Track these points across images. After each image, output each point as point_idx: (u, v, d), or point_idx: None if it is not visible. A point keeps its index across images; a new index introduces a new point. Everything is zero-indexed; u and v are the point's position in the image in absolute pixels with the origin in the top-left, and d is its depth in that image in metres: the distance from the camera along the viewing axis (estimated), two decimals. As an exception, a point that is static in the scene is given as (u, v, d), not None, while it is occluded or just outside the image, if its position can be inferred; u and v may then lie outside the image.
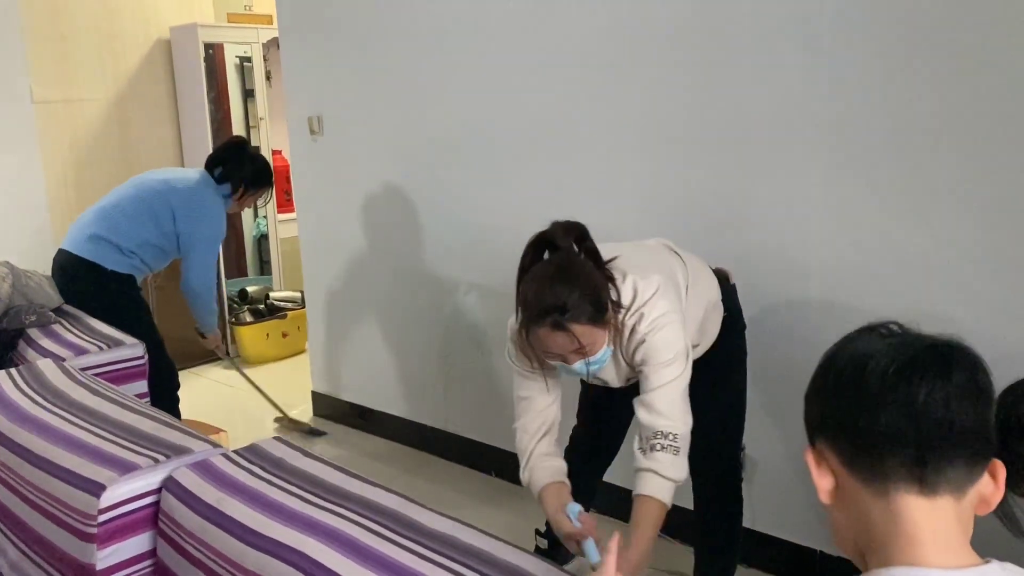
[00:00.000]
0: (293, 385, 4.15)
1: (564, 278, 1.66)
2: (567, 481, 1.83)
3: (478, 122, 2.96)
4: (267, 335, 4.79)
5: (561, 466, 1.85)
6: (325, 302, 3.78)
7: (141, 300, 3.11)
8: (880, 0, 2.03)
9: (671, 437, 1.72)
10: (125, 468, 1.49)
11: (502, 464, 3.11)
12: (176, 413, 3.16)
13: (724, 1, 2.27)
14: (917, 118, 2.02)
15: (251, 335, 4.75)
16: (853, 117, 2.11)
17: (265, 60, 4.93)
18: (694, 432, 1.78)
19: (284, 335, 4.84)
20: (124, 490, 1.46)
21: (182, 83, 4.77)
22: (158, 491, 1.49)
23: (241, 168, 3.16)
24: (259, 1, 5.02)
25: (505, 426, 3.00)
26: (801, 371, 2.29)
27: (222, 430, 3.77)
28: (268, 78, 4.96)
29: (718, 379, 1.90)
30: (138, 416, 1.73)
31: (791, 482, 2.42)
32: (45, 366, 2.07)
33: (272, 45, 4.97)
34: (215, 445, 1.57)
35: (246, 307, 4.84)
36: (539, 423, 1.87)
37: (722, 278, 2.12)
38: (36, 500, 1.58)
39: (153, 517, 1.48)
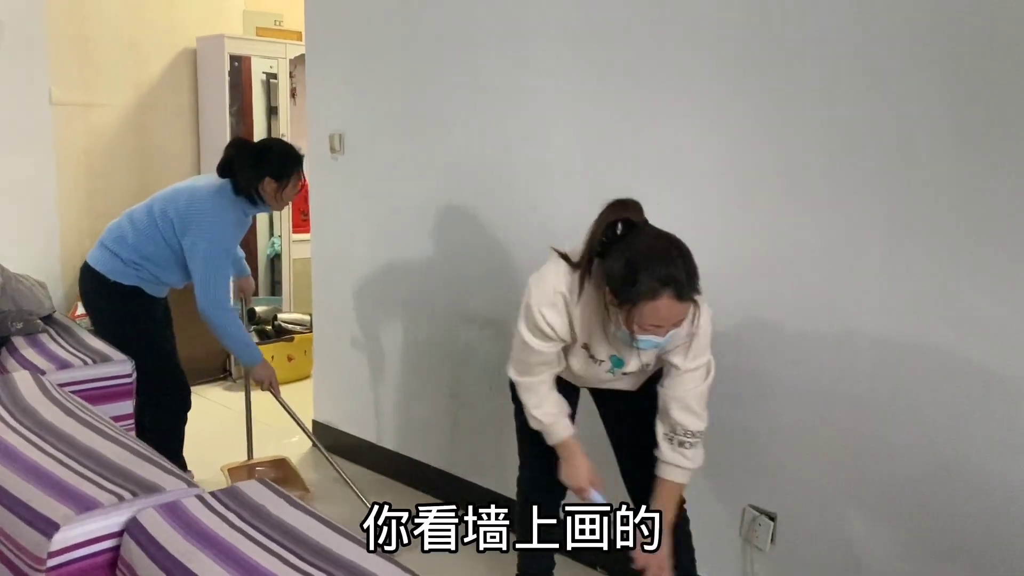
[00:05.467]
0: (297, 412, 3.96)
1: (681, 250, 1.75)
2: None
3: (503, 149, 2.81)
4: (272, 357, 4.60)
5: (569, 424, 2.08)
6: (334, 327, 3.61)
7: (146, 314, 2.91)
8: (954, 31, 1.85)
9: (698, 435, 1.94)
10: (84, 505, 1.31)
11: (509, 512, 2.89)
12: (179, 437, 3.01)
13: (783, 32, 2.11)
14: (995, 161, 1.82)
15: (256, 357, 4.57)
16: (920, 158, 1.92)
17: (291, 77, 4.83)
18: (642, 467, 2.04)
19: (290, 359, 4.67)
20: (80, 531, 1.28)
21: (205, 95, 4.67)
22: (119, 534, 1.30)
23: (260, 167, 2.83)
24: (289, 17, 4.92)
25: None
26: (845, 435, 2.11)
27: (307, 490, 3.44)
28: (293, 95, 4.85)
29: (647, 407, 2.05)
30: (109, 443, 1.56)
31: (821, 544, 2.20)
32: (21, 379, 1.91)
33: (299, 62, 4.87)
34: (189, 484, 1.39)
35: (253, 327, 4.68)
36: (551, 380, 2.03)
37: None
38: (-16, 534, 1.40)
39: (110, 565, 1.30)
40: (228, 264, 2.89)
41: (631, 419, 2.14)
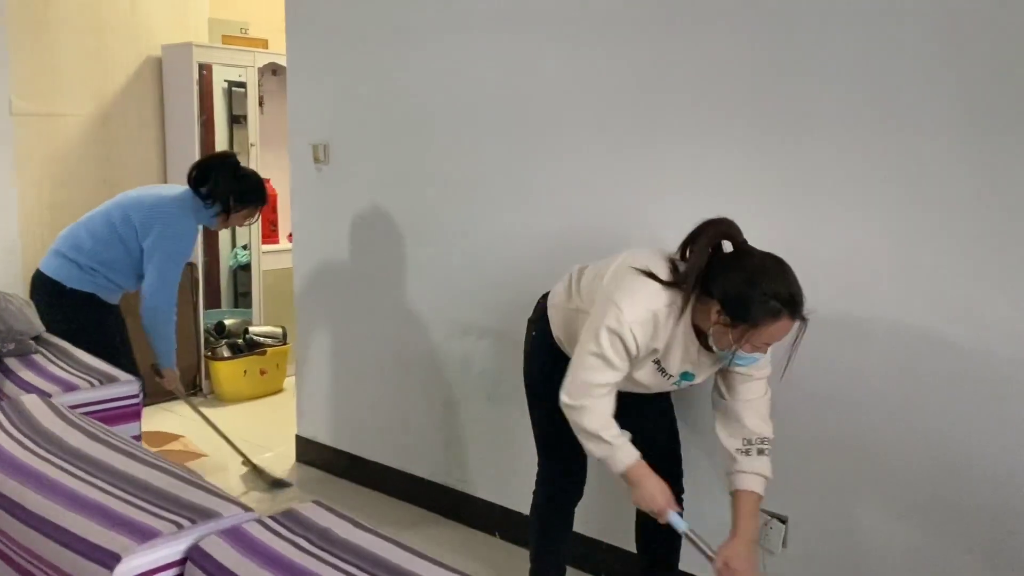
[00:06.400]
0: (271, 427, 3.91)
1: (792, 272, 1.79)
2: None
3: (495, 159, 2.81)
4: (244, 371, 4.53)
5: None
6: (318, 340, 3.55)
7: (102, 320, 2.95)
8: (966, 37, 1.90)
9: (769, 441, 1.97)
10: (143, 535, 1.26)
11: (508, 525, 2.90)
12: None
13: (788, 37, 2.16)
14: (1006, 164, 1.88)
15: (227, 371, 4.48)
16: (930, 165, 1.97)
17: (260, 85, 4.74)
18: (663, 462, 2.06)
19: (262, 372, 4.58)
20: (142, 562, 1.23)
21: (171, 104, 4.56)
22: (182, 563, 1.27)
23: (229, 184, 3.01)
24: (255, 25, 4.84)
25: (513, 483, 2.81)
26: (856, 437, 2.16)
27: (181, 436, 3.59)
28: (261, 104, 4.77)
29: (666, 408, 2.20)
30: (146, 468, 1.51)
31: (833, 546, 2.25)
32: (31, 403, 1.83)
33: (267, 70, 4.80)
34: (246, 509, 1.36)
35: (223, 341, 4.58)
36: (611, 409, 1.94)
37: None
38: (30, 568, 1.34)
39: (175, 595, 1.26)
40: (181, 270, 2.98)
41: (653, 418, 2.18)
